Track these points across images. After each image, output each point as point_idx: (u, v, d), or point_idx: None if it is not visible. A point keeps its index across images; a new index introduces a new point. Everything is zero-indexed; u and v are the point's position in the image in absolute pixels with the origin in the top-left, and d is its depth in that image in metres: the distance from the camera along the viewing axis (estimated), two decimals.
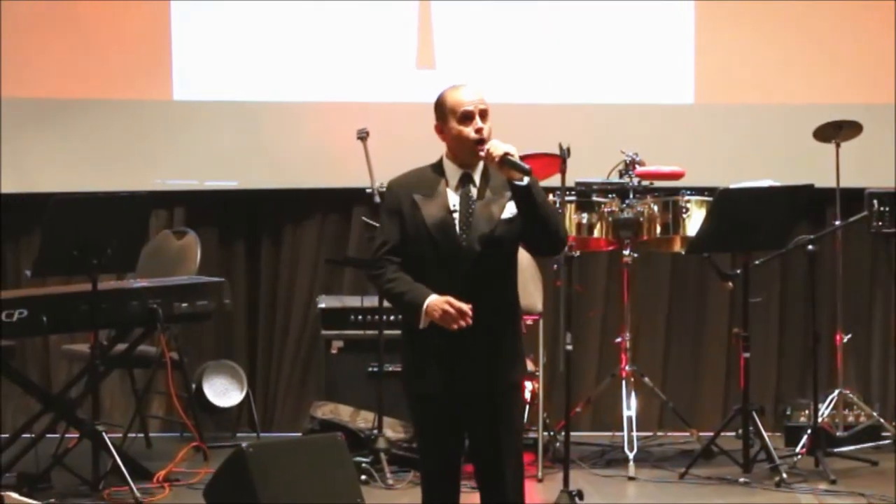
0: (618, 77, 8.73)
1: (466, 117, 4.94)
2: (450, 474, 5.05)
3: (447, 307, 4.82)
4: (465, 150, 4.96)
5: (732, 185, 7.48)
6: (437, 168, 5.02)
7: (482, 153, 4.89)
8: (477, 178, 4.99)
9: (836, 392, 8.03)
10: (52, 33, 8.54)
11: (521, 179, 4.83)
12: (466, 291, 4.88)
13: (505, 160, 4.83)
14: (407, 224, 4.97)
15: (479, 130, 4.93)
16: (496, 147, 4.86)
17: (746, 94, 8.73)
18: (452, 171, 4.99)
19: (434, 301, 4.84)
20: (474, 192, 4.97)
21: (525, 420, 7.20)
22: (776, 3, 8.65)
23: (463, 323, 4.81)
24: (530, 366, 7.09)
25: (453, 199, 4.96)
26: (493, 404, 4.98)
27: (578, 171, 7.58)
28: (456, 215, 4.94)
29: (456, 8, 8.64)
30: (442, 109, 4.99)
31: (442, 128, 5.00)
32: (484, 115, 4.95)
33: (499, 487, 5.00)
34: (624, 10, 8.69)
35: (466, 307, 4.82)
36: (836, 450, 7.74)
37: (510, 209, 4.93)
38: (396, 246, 4.98)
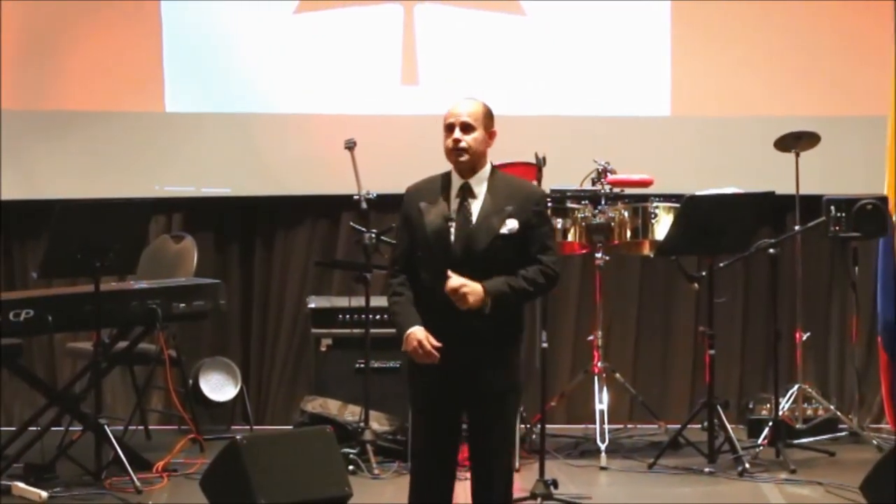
0: (598, 91, 8.79)
1: (448, 128, 5.07)
2: (440, 472, 5.11)
3: (416, 346, 4.95)
4: (450, 159, 5.07)
5: (698, 192, 7.55)
6: (446, 177, 5.11)
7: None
8: (480, 189, 5.06)
9: (796, 387, 8.14)
10: (53, 50, 8.65)
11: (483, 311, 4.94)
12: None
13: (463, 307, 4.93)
14: (414, 229, 5.07)
15: (455, 141, 5.03)
16: (464, 298, 4.91)
17: (718, 106, 8.78)
18: (455, 181, 5.08)
19: (413, 333, 4.97)
20: (473, 203, 5.03)
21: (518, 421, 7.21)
22: (748, 22, 8.76)
23: (427, 360, 4.95)
24: None
25: (453, 208, 5.03)
26: (484, 408, 5.06)
27: (560, 179, 7.68)
28: (452, 224, 5.00)
29: (438, 24, 8.70)
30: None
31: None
32: (466, 127, 5.03)
33: (487, 487, 5.11)
34: (604, 28, 8.77)
35: (434, 351, 4.92)
36: (795, 441, 7.86)
37: (509, 224, 5.00)
38: (404, 253, 5.11)
